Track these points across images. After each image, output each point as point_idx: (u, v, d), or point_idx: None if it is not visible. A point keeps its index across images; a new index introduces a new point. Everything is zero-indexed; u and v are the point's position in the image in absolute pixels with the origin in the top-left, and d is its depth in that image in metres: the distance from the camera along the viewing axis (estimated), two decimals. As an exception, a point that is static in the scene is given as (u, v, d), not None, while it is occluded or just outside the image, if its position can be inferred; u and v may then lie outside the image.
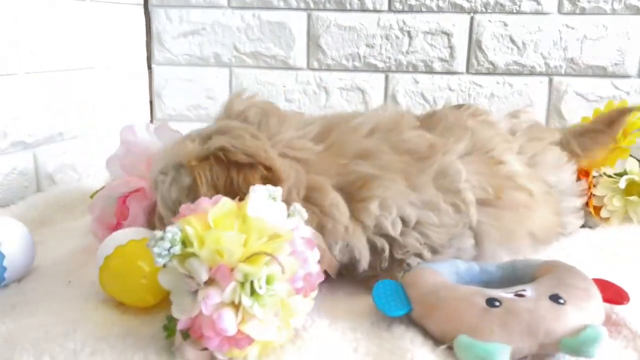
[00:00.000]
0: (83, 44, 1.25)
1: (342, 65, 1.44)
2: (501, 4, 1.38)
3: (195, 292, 0.58)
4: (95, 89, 1.30)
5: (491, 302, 0.64)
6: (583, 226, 1.08)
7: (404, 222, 0.77)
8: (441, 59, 1.42)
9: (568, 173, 1.01)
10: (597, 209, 1.13)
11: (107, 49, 1.33)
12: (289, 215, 0.61)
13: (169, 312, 0.68)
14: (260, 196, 0.59)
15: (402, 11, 1.40)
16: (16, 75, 1.08)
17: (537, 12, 1.38)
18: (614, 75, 1.41)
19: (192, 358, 0.60)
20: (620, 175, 1.13)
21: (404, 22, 1.40)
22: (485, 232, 0.82)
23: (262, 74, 1.47)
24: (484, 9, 1.39)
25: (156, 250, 0.56)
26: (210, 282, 0.57)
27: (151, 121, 1.51)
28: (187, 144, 0.75)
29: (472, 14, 1.39)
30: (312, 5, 1.41)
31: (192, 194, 0.70)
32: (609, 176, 1.14)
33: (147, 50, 1.48)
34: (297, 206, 0.62)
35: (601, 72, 1.41)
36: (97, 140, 1.31)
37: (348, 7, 1.41)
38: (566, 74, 1.41)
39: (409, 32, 1.41)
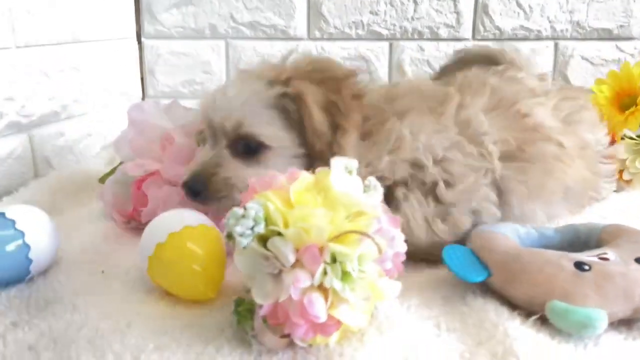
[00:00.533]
0: (67, 18, 1.14)
1: (345, 33, 1.38)
2: (507, -33, 1.34)
3: (278, 275, 0.53)
4: (84, 66, 1.20)
5: (580, 265, 0.61)
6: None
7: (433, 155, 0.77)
8: (447, 25, 1.38)
9: (603, 133, 0.99)
10: (620, 172, 1.12)
11: (94, 23, 1.23)
12: (364, 190, 0.56)
13: (226, 299, 0.63)
14: (340, 169, 0.54)
15: (407, -24, 1.35)
16: (10, 49, 0.98)
17: (544, -26, 1.35)
18: (619, 38, 1.40)
19: (272, 345, 0.54)
20: (643, 136, 1.12)
21: (408, -13, 1.36)
22: (510, 189, 0.79)
23: (261, 46, 1.39)
24: (490, -28, 1.35)
25: (239, 229, 0.50)
26: (295, 263, 0.52)
27: (143, 99, 1.42)
28: (267, 66, 0.78)
29: (478, -22, 1.36)
30: (312, -29, 1.35)
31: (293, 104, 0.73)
32: (631, 138, 1.13)
33: (137, 24, 1.38)
34: (372, 180, 0.56)
35: (606, 35, 1.40)
36: (90, 120, 1.21)
37: (351, -28, 1.35)
38: (572, 38, 1.40)
39: (414, -2, 1.36)
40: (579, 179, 0.87)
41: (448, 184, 0.75)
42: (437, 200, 0.75)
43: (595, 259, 0.62)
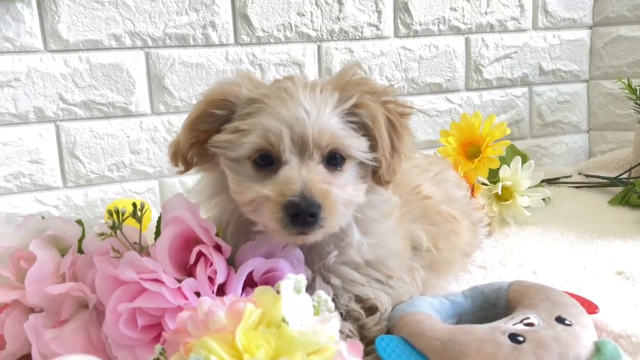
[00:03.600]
0: None
1: (193, 106, 1.29)
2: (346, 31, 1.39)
3: None
4: None
5: (514, 338, 0.60)
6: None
7: None
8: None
9: (465, 188, 1.05)
10: (482, 217, 1.19)
11: None
12: (315, 311, 0.49)
13: None
14: (290, 293, 0.46)
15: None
16: None
17: (377, 37, 1.42)
18: (447, 91, 1.52)
19: None
20: (494, 182, 1.21)
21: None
22: (427, 283, 0.82)
23: (99, 126, 1.25)
24: None
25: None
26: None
27: (-47, 201, 1.17)
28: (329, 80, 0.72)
29: None
30: (150, 43, 1.25)
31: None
32: (484, 184, 1.21)
33: (-63, 112, 1.15)
34: (322, 295, 0.50)
35: (437, 89, 1.51)
36: None
37: (192, 42, 1.28)
38: (409, 94, 1.49)
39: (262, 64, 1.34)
40: (468, 240, 0.94)
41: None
42: None
43: (523, 327, 0.63)
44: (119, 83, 1.25)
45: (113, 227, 0.70)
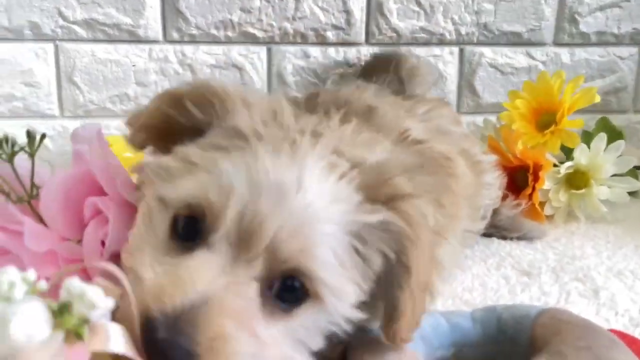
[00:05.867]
0: None
1: (211, 35, 1.11)
2: (403, -42, 1.13)
3: None
4: None
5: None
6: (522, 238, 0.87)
7: None
8: (335, 27, 1.14)
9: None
10: (543, 205, 0.92)
11: None
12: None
13: None
14: None
15: (284, -35, 1.10)
16: None
17: (445, -32, 1.15)
18: (529, 43, 1.22)
19: None
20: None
21: (287, -20, 1.11)
22: None
23: (102, 50, 1.09)
24: (383, -36, 1.13)
25: None
26: None
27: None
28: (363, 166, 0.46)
29: (369, -30, 1.13)
30: (165, -44, 1.06)
31: None
32: (555, 165, 0.94)
33: None
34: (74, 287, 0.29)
35: (516, 40, 1.22)
36: None
37: (214, -42, 1.08)
38: (479, 43, 1.21)
39: (294, -7, 1.11)
40: (470, 178, 0.73)
41: None
42: None
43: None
44: (127, 2, 1.07)
45: (-2, 157, 0.53)
